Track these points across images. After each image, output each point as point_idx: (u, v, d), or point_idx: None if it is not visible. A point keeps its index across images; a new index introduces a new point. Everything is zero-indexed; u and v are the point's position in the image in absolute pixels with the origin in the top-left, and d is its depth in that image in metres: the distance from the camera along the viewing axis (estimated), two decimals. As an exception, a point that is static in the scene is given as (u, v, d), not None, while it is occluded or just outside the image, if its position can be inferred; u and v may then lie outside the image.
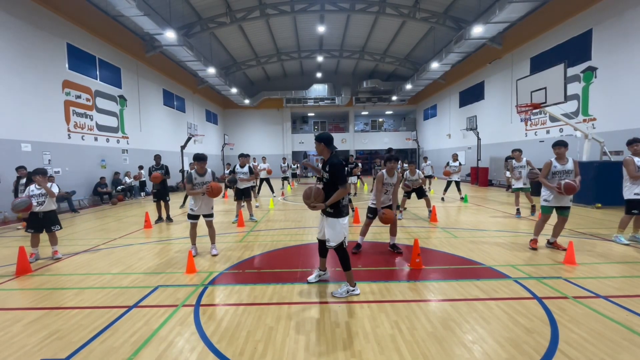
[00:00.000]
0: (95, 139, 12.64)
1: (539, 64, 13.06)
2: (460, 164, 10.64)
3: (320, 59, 24.27)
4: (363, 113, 31.81)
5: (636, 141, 5.22)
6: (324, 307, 3.29)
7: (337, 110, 29.98)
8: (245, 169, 8.01)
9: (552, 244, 5.14)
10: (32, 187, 5.07)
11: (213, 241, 5.32)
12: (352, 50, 23.66)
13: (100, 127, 12.90)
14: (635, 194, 5.11)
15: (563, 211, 4.90)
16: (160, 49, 15.80)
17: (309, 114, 32.55)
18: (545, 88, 9.37)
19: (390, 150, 10.51)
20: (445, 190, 11.17)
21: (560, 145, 4.83)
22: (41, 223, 5.08)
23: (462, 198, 10.94)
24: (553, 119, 12.26)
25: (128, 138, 14.74)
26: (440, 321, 2.94)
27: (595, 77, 10.92)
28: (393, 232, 5.17)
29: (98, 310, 3.30)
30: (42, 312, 3.27)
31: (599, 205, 8.93)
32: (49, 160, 10.45)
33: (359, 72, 28.59)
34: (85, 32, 12.13)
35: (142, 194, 14.77)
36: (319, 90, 28.85)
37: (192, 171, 5.14)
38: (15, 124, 9.39)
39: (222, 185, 6.21)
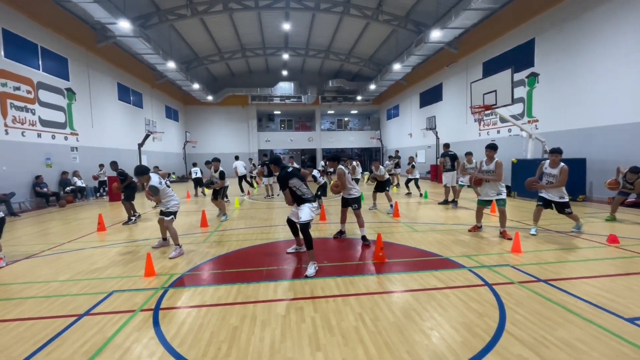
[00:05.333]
0: (39, 135, 11.51)
1: (491, 68, 13.98)
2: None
3: (285, 56, 24.06)
4: (329, 112, 32.09)
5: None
6: (290, 304, 3.29)
7: (304, 108, 29.94)
8: (217, 173, 8.22)
9: (501, 234, 5.63)
10: None
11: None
12: (318, 49, 23.74)
13: (45, 123, 11.76)
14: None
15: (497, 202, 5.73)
16: (114, 39, 14.72)
17: (275, 112, 32.19)
18: (495, 91, 10.09)
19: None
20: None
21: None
22: None
23: (421, 194, 11.46)
24: (503, 119, 13.22)
25: (78, 135, 13.59)
26: (402, 311, 3.07)
27: (538, 82, 11.94)
28: (361, 224, 5.35)
29: (42, 320, 3.03)
30: (-26, 327, 2.94)
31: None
32: (-18, 158, 9.35)
33: (325, 72, 28.77)
34: (24, 17, 10.97)
35: (98, 194, 13.77)
36: (285, 88, 28.59)
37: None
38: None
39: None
